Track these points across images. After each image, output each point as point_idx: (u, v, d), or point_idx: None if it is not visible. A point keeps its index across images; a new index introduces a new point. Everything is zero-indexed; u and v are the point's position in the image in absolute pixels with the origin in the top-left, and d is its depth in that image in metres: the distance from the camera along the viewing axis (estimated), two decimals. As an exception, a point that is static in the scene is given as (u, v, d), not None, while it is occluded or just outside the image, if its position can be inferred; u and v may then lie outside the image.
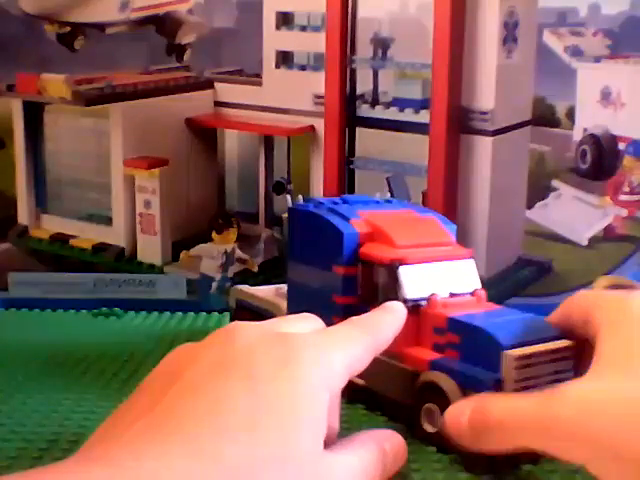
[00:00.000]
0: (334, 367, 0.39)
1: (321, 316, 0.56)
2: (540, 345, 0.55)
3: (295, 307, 0.61)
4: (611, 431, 0.35)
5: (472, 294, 0.62)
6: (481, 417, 0.43)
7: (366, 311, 0.60)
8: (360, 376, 0.55)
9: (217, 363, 0.37)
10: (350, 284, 0.62)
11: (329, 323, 0.54)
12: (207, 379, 0.36)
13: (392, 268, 0.59)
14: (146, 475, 0.31)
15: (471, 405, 0.45)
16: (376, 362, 0.55)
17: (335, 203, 0.68)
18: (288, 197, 0.72)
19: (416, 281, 0.59)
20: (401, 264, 0.59)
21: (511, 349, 0.54)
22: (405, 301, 0.59)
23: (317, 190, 1.71)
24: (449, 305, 0.59)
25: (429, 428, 0.56)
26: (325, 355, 0.39)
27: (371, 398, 0.57)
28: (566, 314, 0.50)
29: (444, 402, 0.54)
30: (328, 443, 0.38)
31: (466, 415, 0.44)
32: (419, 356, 0.59)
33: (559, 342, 0.56)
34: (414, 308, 0.60)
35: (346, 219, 0.64)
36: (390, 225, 0.64)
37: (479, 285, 0.62)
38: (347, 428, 0.48)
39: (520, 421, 0.41)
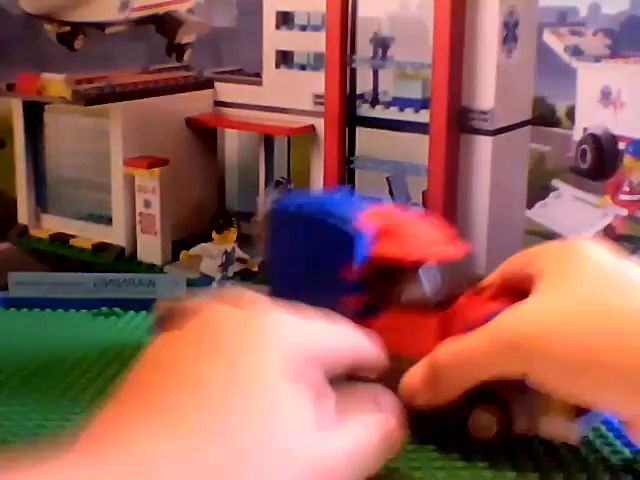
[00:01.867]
0: (315, 341, 0.38)
1: None
2: None
3: None
4: (547, 337, 0.39)
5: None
6: (431, 369, 0.44)
7: (378, 316, 0.59)
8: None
9: (197, 349, 0.37)
10: (360, 287, 0.59)
11: None
12: (186, 365, 0.36)
13: (413, 269, 0.57)
14: (135, 469, 0.32)
15: (422, 364, 0.45)
16: (398, 369, 0.54)
17: (319, 202, 0.65)
18: (265, 197, 0.68)
19: (435, 281, 0.58)
20: (422, 264, 0.57)
21: None
22: (429, 301, 0.58)
23: (317, 189, 1.71)
24: (474, 303, 0.57)
25: (480, 435, 0.53)
26: (303, 330, 0.39)
27: None
28: (503, 271, 0.49)
29: (496, 405, 0.52)
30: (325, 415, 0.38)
31: (419, 375, 0.44)
32: None
33: None
34: (437, 308, 0.58)
35: (349, 220, 0.62)
36: (396, 224, 0.62)
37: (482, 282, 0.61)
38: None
39: (469, 353, 0.43)
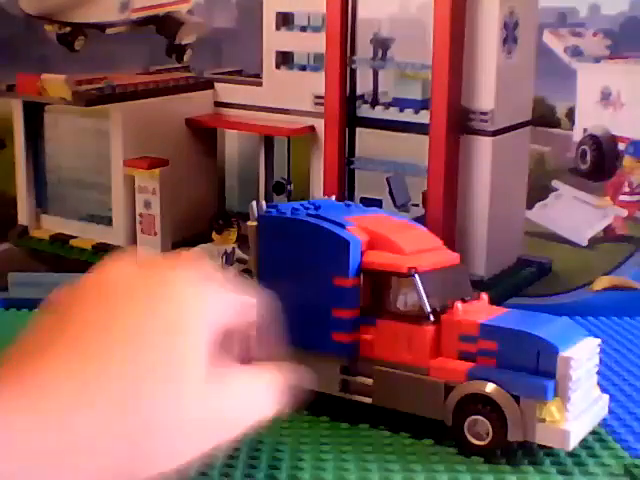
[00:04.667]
0: (216, 299, 0.41)
1: (314, 335, 0.55)
2: (581, 344, 0.54)
3: None
4: None
5: (477, 299, 0.61)
6: None
7: (372, 324, 0.58)
8: (367, 394, 0.53)
9: (100, 296, 0.40)
10: (354, 296, 0.59)
11: (327, 341, 0.53)
12: (95, 310, 0.39)
13: (409, 277, 0.57)
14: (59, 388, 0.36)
15: None
16: (389, 377, 0.53)
17: (308, 208, 0.64)
18: (253, 204, 0.68)
19: (429, 289, 0.57)
20: (417, 272, 0.57)
21: (562, 352, 0.52)
22: (425, 310, 0.57)
23: (317, 190, 1.71)
24: (468, 311, 0.57)
25: (477, 442, 0.53)
26: (203, 286, 0.41)
27: (375, 415, 0.55)
28: None
29: (493, 413, 0.51)
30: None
31: None
32: (449, 367, 0.56)
33: (592, 340, 0.56)
34: (432, 317, 0.57)
35: (342, 226, 0.61)
36: (388, 232, 0.61)
37: (471, 290, 0.61)
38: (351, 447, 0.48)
39: None
